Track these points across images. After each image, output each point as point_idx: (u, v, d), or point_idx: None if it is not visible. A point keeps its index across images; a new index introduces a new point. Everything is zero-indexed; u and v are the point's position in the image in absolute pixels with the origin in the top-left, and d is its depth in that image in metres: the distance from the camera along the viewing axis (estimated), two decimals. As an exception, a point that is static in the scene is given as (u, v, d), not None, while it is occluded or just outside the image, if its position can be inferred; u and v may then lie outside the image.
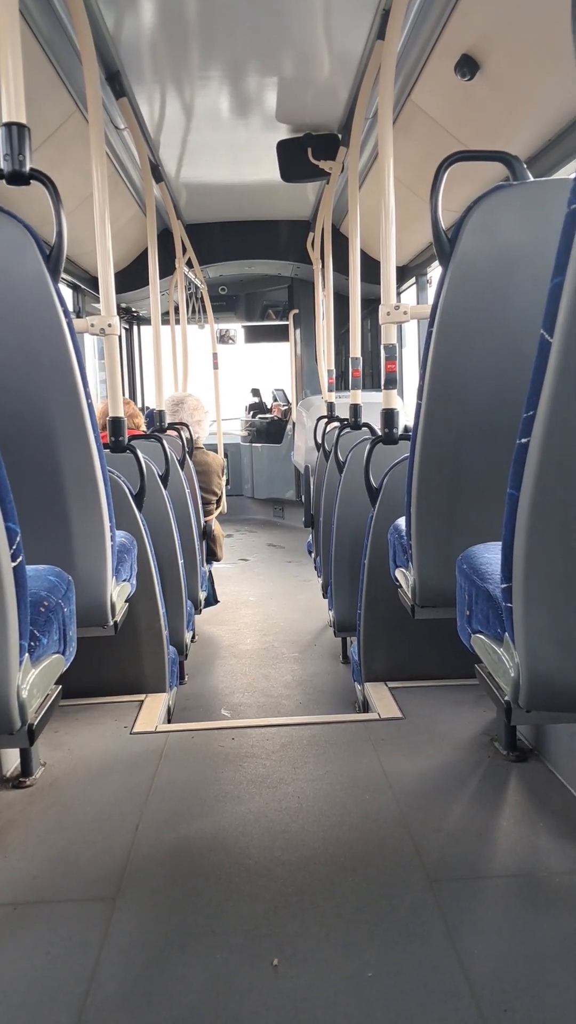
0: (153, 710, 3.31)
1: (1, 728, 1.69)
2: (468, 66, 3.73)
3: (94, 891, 2.08)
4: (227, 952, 1.83)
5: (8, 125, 2.31)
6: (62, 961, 1.82)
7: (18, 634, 1.62)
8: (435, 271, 7.57)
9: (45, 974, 1.79)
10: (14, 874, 2.18)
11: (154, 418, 5.55)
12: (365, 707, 3.51)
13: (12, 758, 2.76)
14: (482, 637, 1.98)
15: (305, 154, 5.85)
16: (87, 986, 1.74)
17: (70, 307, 7.62)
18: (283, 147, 5.90)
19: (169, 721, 3.61)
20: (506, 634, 1.78)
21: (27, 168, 2.30)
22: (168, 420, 5.74)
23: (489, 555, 2.12)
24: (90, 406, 2.38)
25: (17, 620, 1.60)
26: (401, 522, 2.96)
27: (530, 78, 3.62)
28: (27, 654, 1.72)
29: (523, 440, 1.51)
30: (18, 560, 1.57)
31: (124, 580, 2.92)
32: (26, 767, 2.71)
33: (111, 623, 2.70)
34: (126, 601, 2.94)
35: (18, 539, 1.56)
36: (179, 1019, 1.64)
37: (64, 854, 2.26)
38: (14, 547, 1.55)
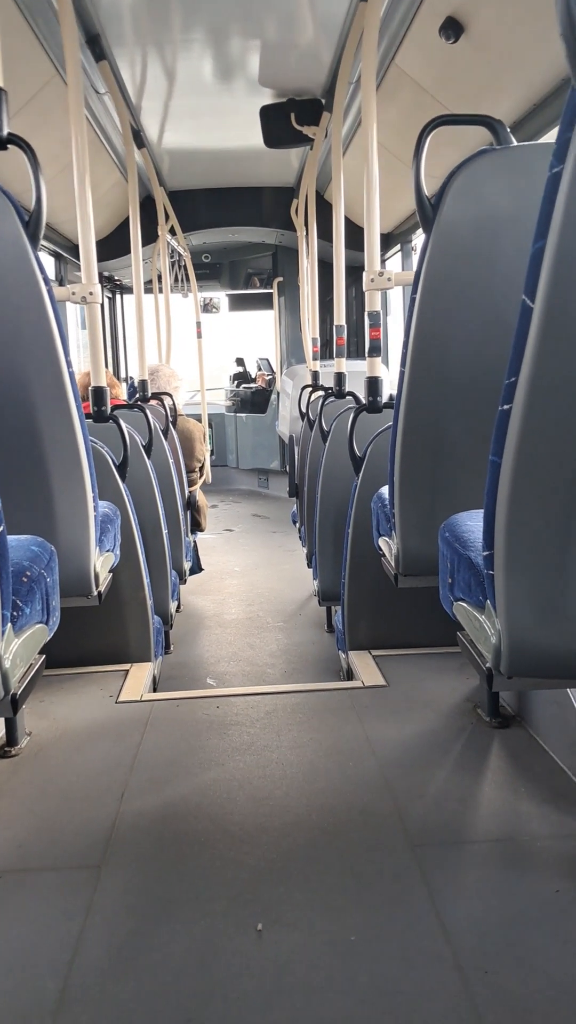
0: (138, 679, 3.31)
1: None
2: (453, 28, 3.69)
3: (79, 859, 2.09)
4: (211, 918, 1.85)
5: None
6: (47, 929, 1.83)
7: (0, 604, 1.61)
8: (420, 238, 7.52)
9: (30, 941, 1.80)
10: (0, 843, 2.18)
11: (137, 388, 5.52)
12: (349, 675, 3.53)
13: (-3, 728, 2.77)
14: (464, 604, 1.99)
15: (288, 120, 5.78)
16: (72, 953, 1.75)
17: (52, 276, 7.57)
18: (266, 112, 5.83)
19: (155, 690, 3.62)
20: (488, 601, 1.79)
21: (4, 132, 2.27)
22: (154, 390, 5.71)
23: (471, 523, 2.12)
24: (71, 375, 2.36)
25: None
26: (384, 491, 2.96)
27: (516, 41, 3.58)
28: (9, 624, 1.72)
29: (505, 407, 1.51)
30: (-1, 530, 1.57)
31: (107, 550, 2.91)
32: (11, 736, 2.72)
33: (95, 593, 2.70)
34: (110, 571, 2.93)
35: (-1, 509, 1.55)
36: (164, 984, 1.66)
37: (49, 822, 2.27)
38: (-5, 517, 1.54)
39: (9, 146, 2.29)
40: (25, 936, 1.81)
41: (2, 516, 1.58)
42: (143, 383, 5.42)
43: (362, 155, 3.43)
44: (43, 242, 3.01)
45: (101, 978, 1.68)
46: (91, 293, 3.16)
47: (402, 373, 2.43)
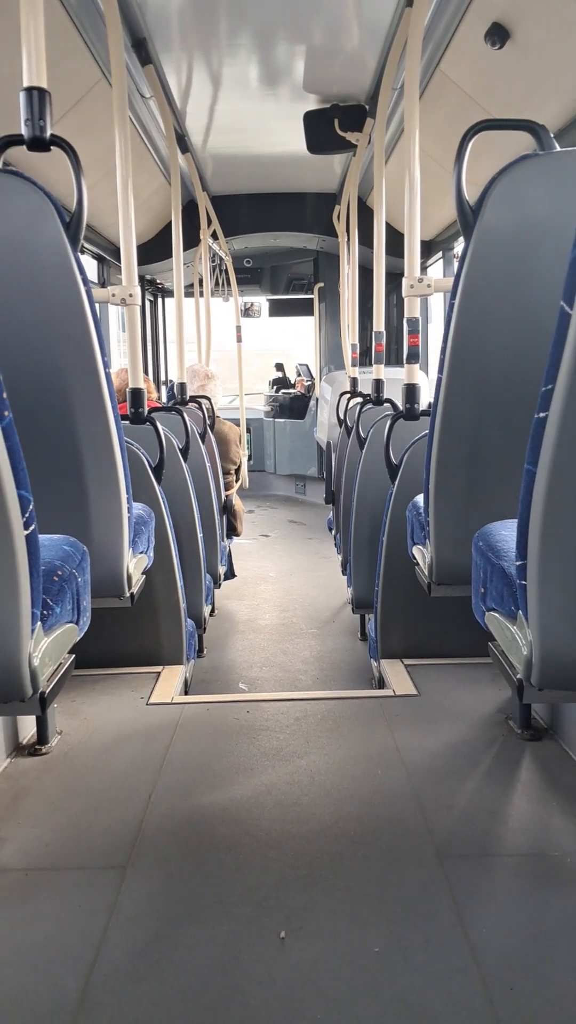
0: (170, 682, 3.31)
1: (13, 695, 1.69)
2: (498, 34, 3.66)
3: (105, 859, 2.09)
4: (235, 923, 1.84)
5: (29, 90, 2.28)
6: (71, 927, 1.83)
7: (30, 602, 1.62)
8: (461, 246, 7.48)
9: (54, 940, 1.80)
10: (27, 840, 2.19)
11: (175, 391, 5.53)
12: (381, 684, 3.50)
13: (29, 726, 2.78)
14: (496, 615, 1.97)
15: (332, 125, 5.78)
16: (95, 953, 1.75)
17: (94, 278, 7.62)
18: (310, 118, 5.83)
19: (186, 693, 3.62)
20: (520, 612, 1.77)
21: (47, 134, 2.28)
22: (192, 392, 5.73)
23: (506, 532, 2.10)
24: (108, 376, 2.37)
25: (29, 588, 1.60)
26: (420, 499, 2.94)
27: (562, 47, 3.54)
28: (39, 623, 1.72)
29: (541, 415, 1.48)
30: (31, 528, 1.57)
31: (141, 552, 2.91)
32: (42, 735, 2.73)
33: (127, 595, 2.71)
34: (143, 573, 2.94)
35: (31, 507, 1.55)
36: (185, 988, 1.65)
37: (77, 822, 2.28)
38: (27, 515, 1.54)
39: (53, 148, 2.30)
40: (49, 934, 1.82)
41: (33, 515, 1.58)
42: (181, 386, 5.44)
43: (405, 161, 3.41)
44: (87, 245, 3.03)
45: (123, 979, 1.68)
46: (131, 295, 3.17)
47: (439, 380, 2.41)
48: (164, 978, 1.68)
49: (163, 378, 11.11)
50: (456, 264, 7.12)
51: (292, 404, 11.90)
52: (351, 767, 2.55)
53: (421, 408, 3.56)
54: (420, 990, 1.63)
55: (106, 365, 2.35)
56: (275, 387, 12.98)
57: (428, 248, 7.80)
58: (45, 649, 1.76)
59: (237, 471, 6.14)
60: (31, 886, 2.00)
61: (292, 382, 12.88)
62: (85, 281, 2.24)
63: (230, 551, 6.18)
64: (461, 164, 2.31)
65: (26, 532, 1.56)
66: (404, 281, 3.23)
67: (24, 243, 2.16)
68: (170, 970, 1.70)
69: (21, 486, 1.52)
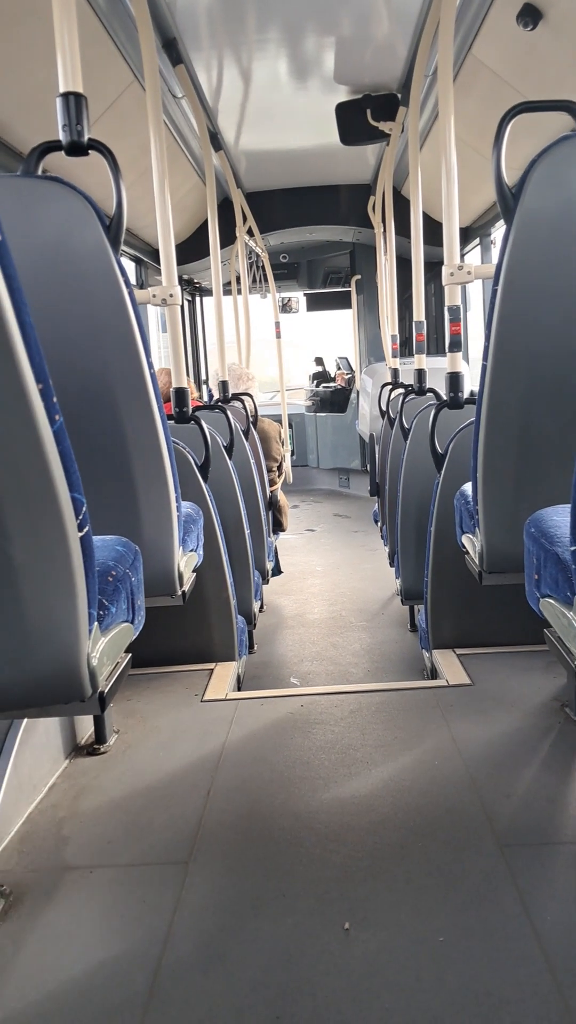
0: (223, 678, 3.33)
1: (73, 695, 1.71)
2: (531, 15, 3.62)
3: (167, 855, 2.11)
4: (298, 916, 1.85)
5: (65, 95, 2.31)
6: (137, 923, 1.86)
7: (87, 603, 1.64)
8: (499, 231, 7.42)
9: (121, 936, 1.82)
10: (90, 838, 2.22)
11: (218, 389, 5.55)
12: (433, 674, 3.49)
13: (87, 726, 2.81)
14: (551, 601, 1.95)
15: (364, 116, 5.76)
16: (162, 947, 1.76)
17: (133, 280, 7.67)
18: (342, 109, 5.82)
19: (239, 689, 3.64)
20: (576, 597, 1.75)
21: (85, 138, 2.30)
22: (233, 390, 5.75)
23: (558, 518, 2.08)
24: (153, 376, 2.38)
25: (85, 589, 1.62)
26: (467, 487, 2.92)
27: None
28: (96, 623, 1.74)
29: None
30: (85, 530, 1.59)
31: (191, 550, 2.93)
32: (100, 734, 2.76)
33: (179, 593, 2.73)
34: (193, 571, 2.96)
35: (84, 509, 1.57)
36: (252, 981, 1.66)
37: (138, 819, 2.30)
38: (80, 517, 1.56)
39: (90, 152, 2.32)
40: (115, 930, 1.84)
41: (87, 517, 1.60)
42: (223, 384, 5.46)
43: (439, 148, 3.39)
44: (124, 247, 3.06)
45: (189, 972, 1.70)
46: (171, 295, 3.19)
47: (484, 367, 2.40)
48: (231, 971, 1.70)
49: (203, 377, 11.15)
50: (495, 250, 7.02)
51: (333, 398, 11.88)
52: (408, 758, 2.55)
53: (464, 396, 3.54)
54: (487, 979, 1.63)
55: (151, 366, 2.37)
56: (315, 381, 12.97)
57: (465, 234, 7.75)
58: (103, 649, 1.78)
59: (280, 467, 6.15)
60: (96, 883, 2.03)
61: (332, 376, 12.86)
62: (128, 284, 2.26)
63: (276, 547, 6.20)
64: (500, 147, 2.30)
65: (80, 534, 1.57)
66: (444, 269, 3.22)
67: (67, 248, 2.19)
68: (236, 963, 1.72)
69: (74, 488, 1.53)
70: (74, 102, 2.30)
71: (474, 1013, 1.55)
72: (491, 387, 2.39)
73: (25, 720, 2.36)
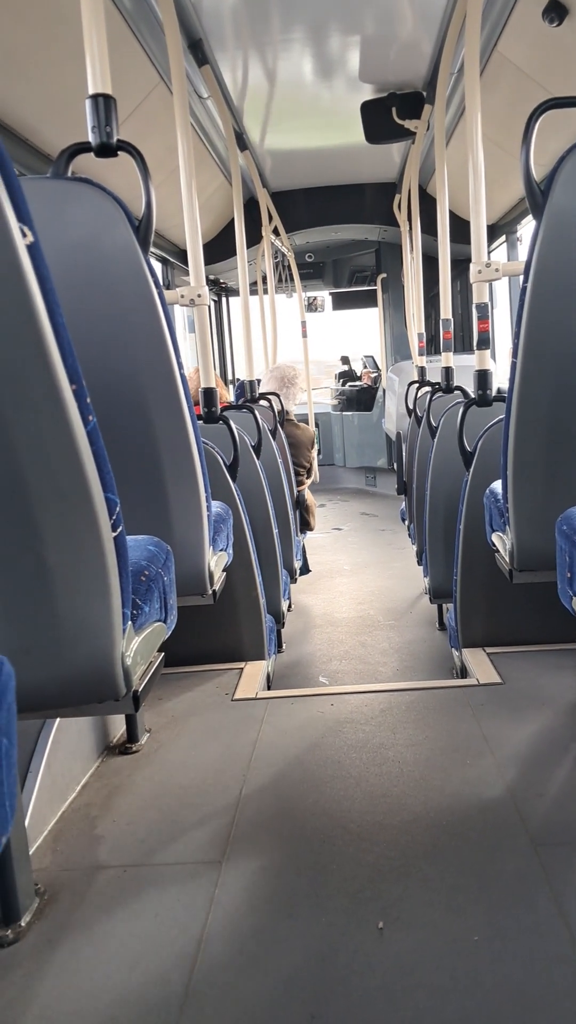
0: (253, 677, 3.34)
1: (107, 694, 1.72)
2: (556, 11, 3.61)
3: (201, 854, 2.12)
4: (332, 915, 1.85)
5: (95, 97, 2.32)
6: (172, 922, 1.86)
7: (121, 602, 1.65)
8: (525, 228, 7.39)
9: (155, 934, 1.83)
10: (123, 838, 2.23)
11: (245, 389, 5.56)
12: (463, 673, 3.48)
13: (118, 725, 2.82)
14: (585, 599, 1.94)
15: (390, 114, 5.76)
16: (197, 947, 1.77)
17: (161, 280, 7.71)
18: (367, 108, 5.82)
19: (268, 688, 3.64)
20: (610, 595, 1.74)
21: (115, 139, 2.31)
22: (264, 389, 5.76)
23: (591, 515, 2.07)
24: (183, 377, 2.39)
25: (120, 589, 1.63)
26: (497, 485, 2.91)
27: (624, 20, 3.48)
28: (130, 622, 1.75)
29: None
30: (118, 530, 1.60)
31: (221, 550, 2.94)
32: (131, 733, 2.77)
33: (209, 592, 2.73)
34: (223, 570, 2.97)
35: (117, 509, 1.58)
36: (287, 980, 1.67)
37: (171, 818, 2.31)
38: (114, 517, 1.57)
39: (118, 153, 2.34)
40: (150, 928, 1.85)
41: (120, 517, 1.61)
42: (251, 383, 5.47)
43: (464, 146, 3.38)
44: (152, 248, 3.07)
45: (225, 972, 1.70)
46: (199, 295, 3.20)
47: (514, 364, 2.39)
48: (266, 970, 1.70)
49: (230, 377, 11.17)
50: (521, 247, 6.97)
51: (359, 396, 11.88)
52: (439, 757, 2.54)
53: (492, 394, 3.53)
54: (522, 978, 1.62)
55: (180, 367, 2.38)
56: (341, 380, 12.97)
57: (491, 232, 7.72)
58: (136, 648, 1.79)
59: (309, 470, 6.16)
60: (130, 882, 2.03)
61: (358, 374, 12.86)
62: (157, 284, 2.27)
63: (304, 546, 6.20)
64: (529, 144, 2.29)
65: (114, 534, 1.58)
66: (472, 267, 3.21)
67: (97, 249, 2.20)
68: (271, 962, 1.72)
69: (108, 489, 1.54)
70: (103, 104, 2.32)
71: (508, 1014, 1.54)
72: (521, 384, 2.38)
73: (58, 720, 2.38)
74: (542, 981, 1.61)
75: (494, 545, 2.91)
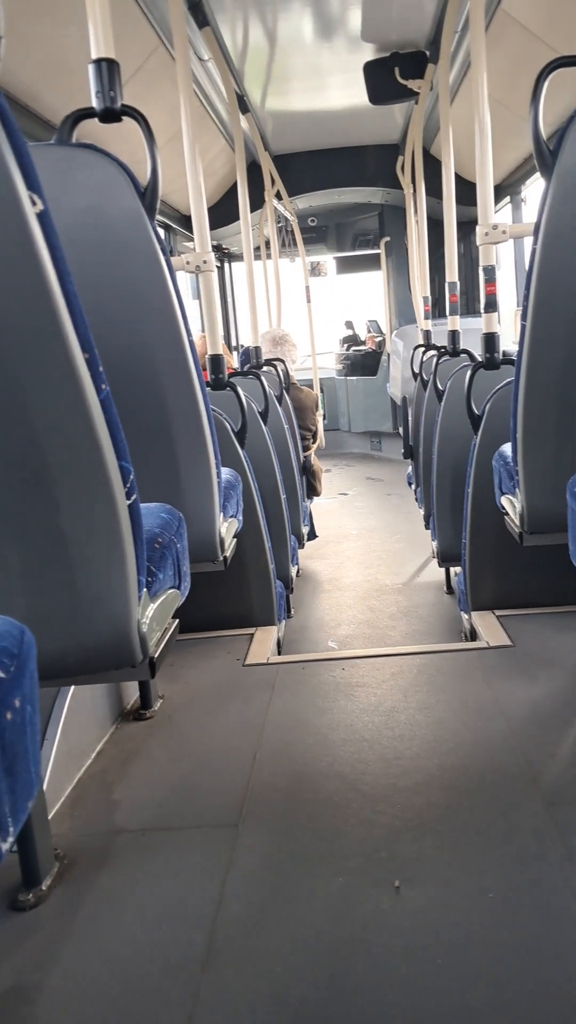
0: (264, 643, 3.36)
1: (124, 661, 1.74)
2: (563, -33, 3.56)
3: (217, 818, 2.15)
4: (348, 875, 1.87)
5: (98, 61, 2.30)
6: (191, 884, 1.89)
7: (136, 569, 1.66)
8: (529, 189, 7.31)
9: (175, 896, 1.86)
10: (140, 802, 2.26)
11: (250, 355, 5.54)
12: (472, 636, 3.50)
13: (132, 692, 2.85)
14: (597, 561, 1.95)
15: (392, 74, 5.68)
16: (216, 907, 1.80)
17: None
18: (370, 68, 5.74)
19: (279, 653, 3.67)
20: (623, 557, 1.75)
21: (119, 104, 2.29)
22: (265, 356, 5.73)
23: (603, 477, 2.07)
24: (191, 343, 2.39)
25: (135, 556, 1.64)
26: (506, 448, 2.91)
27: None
28: (145, 589, 1.76)
29: None
30: (132, 498, 1.60)
31: (231, 516, 2.95)
32: (145, 700, 2.79)
33: (221, 558, 2.74)
34: (234, 537, 2.97)
35: (131, 477, 1.58)
36: (306, 938, 1.69)
37: (186, 782, 2.33)
38: (128, 485, 1.58)
39: (123, 119, 2.32)
40: (172, 890, 1.88)
41: (135, 485, 1.61)
42: (257, 349, 5.45)
43: (468, 106, 3.34)
44: (156, 214, 3.04)
45: (244, 931, 1.73)
46: (205, 262, 3.18)
47: (523, 327, 2.37)
48: (285, 928, 1.73)
49: (234, 343, 11.12)
50: (525, 208, 6.88)
51: (363, 361, 11.84)
52: (451, 720, 2.56)
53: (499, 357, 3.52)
54: (538, 934, 1.65)
55: (188, 334, 2.37)
56: (345, 345, 12.92)
57: (495, 193, 7.64)
58: (152, 615, 1.80)
59: (314, 435, 6.15)
60: (148, 846, 2.06)
61: (362, 339, 12.80)
62: (164, 251, 2.25)
63: (311, 512, 6.21)
64: (538, 104, 2.26)
65: (128, 502, 1.59)
66: (478, 229, 3.18)
67: (103, 216, 2.19)
68: (290, 921, 1.75)
69: (121, 457, 1.55)
70: (107, 68, 2.29)
71: (526, 969, 1.57)
72: (531, 347, 2.37)
73: (72, 687, 2.40)
74: (558, 937, 1.64)
75: (503, 508, 2.91)
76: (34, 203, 1.27)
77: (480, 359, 3.53)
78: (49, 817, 2.14)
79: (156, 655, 1.81)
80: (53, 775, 2.24)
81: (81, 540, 1.56)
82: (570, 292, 2.27)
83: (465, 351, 4.83)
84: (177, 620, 2.05)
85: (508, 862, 1.87)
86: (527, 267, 2.33)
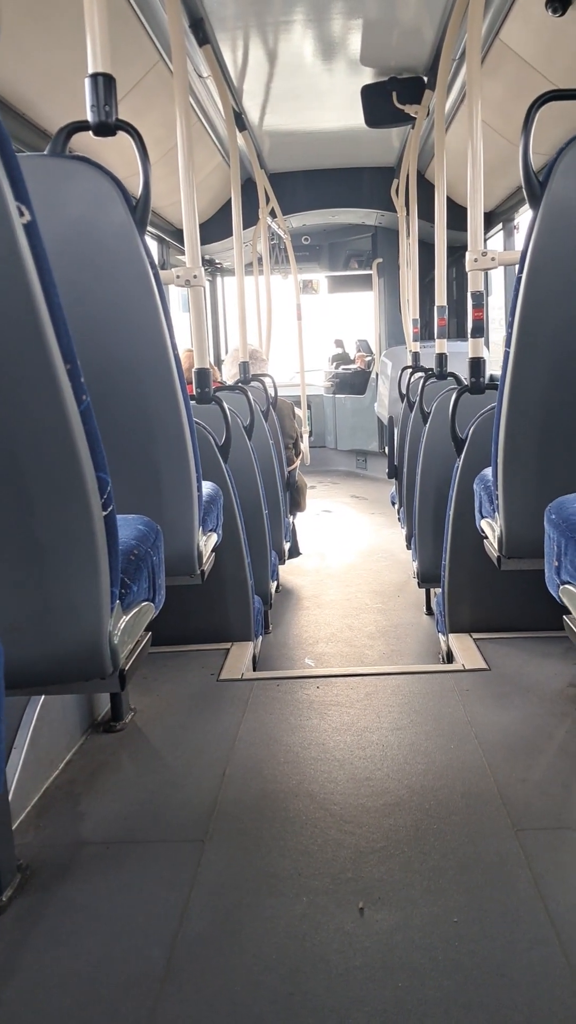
0: (239, 658, 3.35)
1: (94, 672, 1.73)
2: (560, 1, 3.59)
3: (183, 833, 2.13)
4: (313, 895, 1.86)
5: (94, 76, 2.32)
6: (153, 898, 1.88)
7: (109, 581, 1.65)
8: (522, 217, 7.37)
9: (137, 910, 1.84)
10: (106, 814, 2.24)
11: (239, 370, 5.56)
12: (449, 658, 3.51)
13: (103, 703, 2.83)
14: (572, 588, 1.96)
15: (390, 99, 5.73)
16: (178, 923, 1.79)
17: (156, 260, 7.69)
18: (367, 92, 5.79)
19: (255, 669, 3.66)
20: (596, 585, 1.76)
21: (114, 119, 2.31)
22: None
23: (579, 505, 2.08)
24: (176, 357, 2.40)
25: (108, 567, 1.64)
26: (488, 472, 2.92)
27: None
28: (118, 601, 1.76)
29: None
30: (109, 509, 1.60)
31: (211, 530, 2.95)
32: (116, 712, 2.78)
33: (198, 572, 2.74)
34: (212, 551, 2.97)
35: (109, 488, 1.58)
36: (267, 958, 1.68)
37: (154, 796, 2.32)
38: (105, 496, 1.58)
39: (117, 133, 2.33)
40: (133, 905, 1.86)
41: (112, 496, 1.61)
42: (244, 365, 5.46)
43: (464, 132, 3.37)
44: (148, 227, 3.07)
45: (205, 948, 1.72)
46: (195, 276, 3.19)
47: (507, 354, 2.39)
48: (245, 947, 1.72)
49: (223, 357, 11.15)
50: (517, 236, 6.94)
51: (352, 380, 11.89)
52: (423, 742, 2.56)
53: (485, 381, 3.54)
54: (501, 960, 1.65)
55: (174, 347, 2.38)
56: (335, 363, 12.97)
57: (488, 219, 7.70)
58: (124, 627, 1.79)
59: (295, 445, 6.15)
60: (113, 859, 2.05)
61: (352, 358, 12.86)
62: (153, 264, 2.26)
63: (294, 527, 6.21)
64: (528, 134, 2.29)
65: (104, 513, 1.59)
66: (468, 255, 3.21)
67: (93, 228, 2.20)
68: (251, 940, 1.74)
69: (100, 468, 1.55)
70: (103, 83, 2.31)
71: (487, 994, 1.56)
72: (514, 373, 2.39)
73: (43, 696, 2.38)
74: (521, 962, 1.63)
75: (483, 531, 2.93)
76: (22, 213, 1.27)
77: (466, 383, 3.55)
78: (14, 827, 2.13)
79: (127, 667, 1.81)
80: (19, 784, 2.23)
81: (55, 549, 1.56)
82: (553, 321, 2.29)
83: (452, 374, 4.86)
84: (150, 633, 2.04)
85: (474, 886, 1.87)
86: (512, 295, 2.35)
